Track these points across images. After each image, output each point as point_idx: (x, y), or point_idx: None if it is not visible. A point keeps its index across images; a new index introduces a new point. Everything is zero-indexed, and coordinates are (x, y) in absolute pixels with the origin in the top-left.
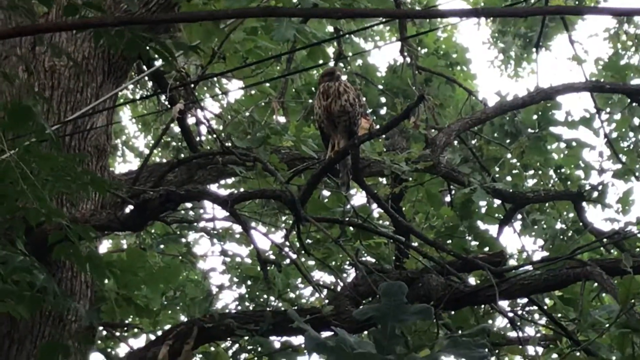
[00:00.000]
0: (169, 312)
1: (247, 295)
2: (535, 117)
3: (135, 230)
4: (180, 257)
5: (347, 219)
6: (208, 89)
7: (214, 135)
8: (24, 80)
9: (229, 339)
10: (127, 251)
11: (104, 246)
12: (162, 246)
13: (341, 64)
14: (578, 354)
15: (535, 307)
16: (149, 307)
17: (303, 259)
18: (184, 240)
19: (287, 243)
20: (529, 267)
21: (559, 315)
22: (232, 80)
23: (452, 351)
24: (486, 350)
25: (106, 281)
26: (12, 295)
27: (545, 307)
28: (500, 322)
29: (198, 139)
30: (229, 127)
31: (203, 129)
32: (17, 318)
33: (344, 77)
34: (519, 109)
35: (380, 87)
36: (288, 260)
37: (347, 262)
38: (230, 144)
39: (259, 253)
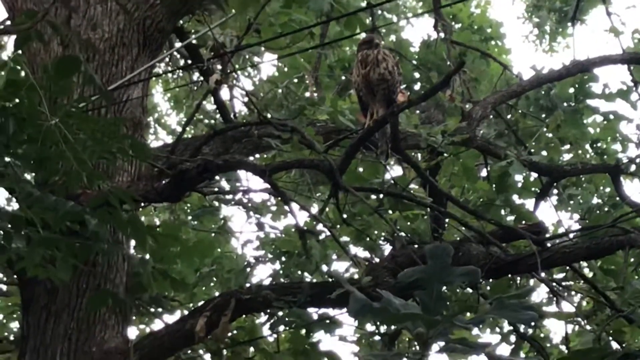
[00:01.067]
0: (203, 288)
1: (281, 272)
2: (571, 90)
3: (173, 201)
4: (215, 232)
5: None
6: (240, 65)
7: (252, 106)
8: (59, 53)
9: (266, 311)
10: (162, 225)
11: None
12: (195, 222)
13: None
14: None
15: (575, 282)
16: (184, 281)
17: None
18: (220, 215)
19: (323, 216)
20: (571, 236)
21: (601, 286)
22: (264, 56)
23: (500, 313)
24: (533, 312)
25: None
26: (61, 244)
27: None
28: (537, 296)
29: (232, 114)
30: (265, 100)
31: (237, 104)
32: (56, 288)
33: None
34: (556, 81)
35: (414, 62)
36: (324, 235)
37: (382, 237)
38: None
39: (298, 223)
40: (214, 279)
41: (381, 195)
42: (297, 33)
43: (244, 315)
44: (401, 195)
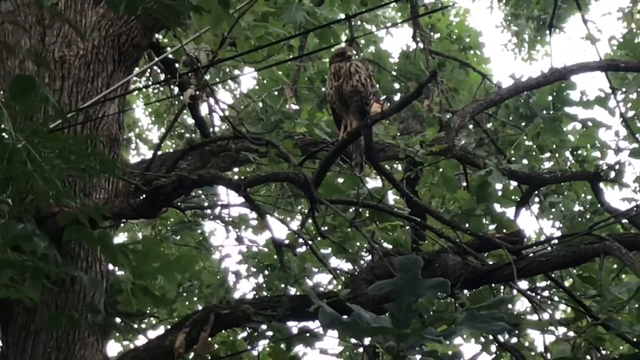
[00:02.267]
0: (187, 302)
1: (264, 285)
2: (550, 98)
3: (149, 217)
4: (195, 246)
5: (361, 201)
6: (220, 79)
7: (227, 121)
8: (34, 72)
9: (246, 325)
10: (142, 241)
11: (120, 238)
12: (177, 237)
13: (354, 50)
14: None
15: (554, 290)
16: (165, 297)
17: (320, 249)
18: (199, 230)
19: (304, 230)
20: (547, 246)
21: (580, 295)
22: (244, 69)
23: (470, 324)
24: (504, 322)
25: (122, 272)
26: (13, 266)
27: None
28: (521, 305)
29: (211, 129)
30: (242, 114)
31: (216, 118)
32: (34, 306)
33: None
34: (534, 89)
35: (394, 73)
36: (305, 247)
37: (364, 248)
38: (244, 130)
39: (274, 237)
40: (196, 292)
41: (355, 208)
42: (274, 46)
43: (224, 330)
44: (377, 207)
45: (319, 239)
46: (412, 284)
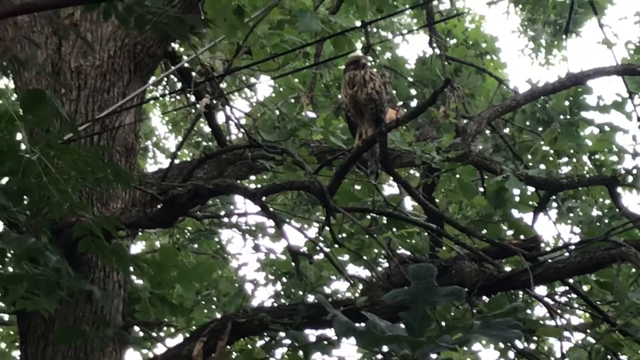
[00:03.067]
0: (205, 310)
1: (282, 292)
2: (566, 103)
3: (165, 226)
4: (213, 255)
5: (377, 208)
6: (236, 87)
7: (242, 129)
8: (50, 83)
9: (263, 333)
10: (159, 250)
11: (138, 247)
12: (195, 245)
13: (369, 57)
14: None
15: (573, 295)
16: (183, 306)
17: (338, 256)
18: (216, 238)
19: (321, 237)
20: (565, 252)
21: (597, 300)
22: (260, 77)
23: (485, 332)
24: (519, 330)
25: (140, 281)
26: (27, 279)
27: (583, 293)
28: (539, 310)
29: (228, 137)
30: (259, 122)
31: (232, 127)
32: (53, 317)
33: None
34: (550, 94)
35: (410, 79)
36: (322, 255)
37: (382, 255)
38: (259, 139)
39: (290, 245)
40: (214, 300)
41: (372, 215)
42: (290, 53)
43: (242, 339)
44: (393, 215)
45: (336, 246)
46: (426, 292)
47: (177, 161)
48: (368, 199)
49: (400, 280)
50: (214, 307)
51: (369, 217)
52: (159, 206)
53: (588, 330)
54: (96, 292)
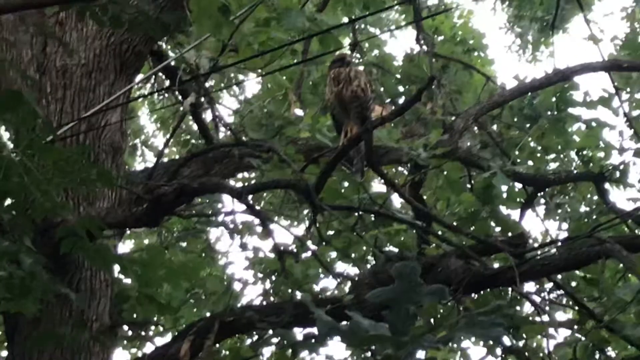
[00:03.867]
0: (194, 309)
1: (271, 291)
2: (553, 99)
3: (151, 225)
4: (200, 254)
5: (363, 206)
6: (224, 85)
7: (227, 127)
8: (36, 81)
9: (250, 332)
10: (147, 249)
11: (127, 246)
12: (183, 244)
13: (357, 54)
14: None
15: (561, 292)
16: (170, 305)
17: (327, 254)
18: (204, 236)
19: (309, 235)
20: (550, 248)
21: (584, 297)
22: (249, 75)
23: (469, 330)
24: (502, 328)
25: (128, 280)
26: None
27: (568, 289)
28: (529, 308)
29: (215, 135)
30: (246, 120)
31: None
32: (38, 317)
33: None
34: (536, 90)
35: (398, 76)
36: (310, 253)
37: (371, 253)
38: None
39: (276, 243)
40: (202, 299)
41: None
42: (277, 51)
43: (231, 337)
44: (379, 212)
45: (324, 243)
46: (410, 291)
47: (165, 159)
48: (355, 196)
49: (387, 278)
50: (201, 306)
51: (356, 215)
52: (144, 205)
53: (575, 327)
54: (71, 295)
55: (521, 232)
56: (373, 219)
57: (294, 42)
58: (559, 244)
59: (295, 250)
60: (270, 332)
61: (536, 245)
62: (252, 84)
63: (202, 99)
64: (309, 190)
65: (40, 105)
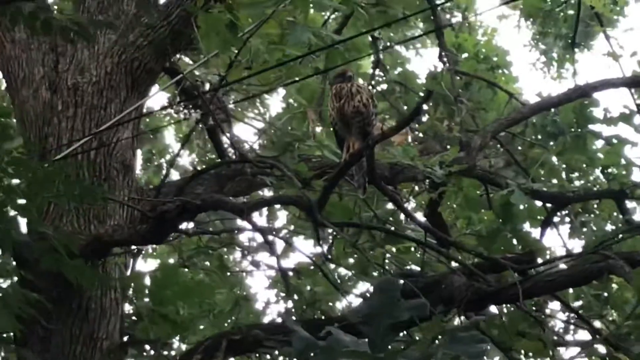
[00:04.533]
0: (201, 327)
1: (293, 310)
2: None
3: (156, 243)
4: (212, 271)
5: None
6: (249, 104)
7: (234, 145)
8: (47, 100)
9: (258, 351)
10: (160, 268)
11: (150, 265)
12: (206, 262)
13: (380, 72)
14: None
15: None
16: (185, 323)
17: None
18: (217, 254)
19: (325, 254)
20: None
21: (594, 314)
22: (273, 94)
23: (450, 346)
24: (485, 345)
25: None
26: None
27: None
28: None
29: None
30: (265, 138)
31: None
32: (48, 335)
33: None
34: (556, 107)
35: (421, 94)
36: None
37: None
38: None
39: (279, 263)
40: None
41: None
42: (293, 68)
43: (237, 356)
44: (382, 229)
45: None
46: (389, 306)
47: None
48: (366, 213)
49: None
50: (207, 322)
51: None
52: (149, 223)
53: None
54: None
55: (531, 250)
56: (383, 236)
57: (300, 57)
58: (564, 260)
59: (311, 267)
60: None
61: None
62: (277, 102)
63: (216, 116)
64: (311, 206)
65: (51, 123)
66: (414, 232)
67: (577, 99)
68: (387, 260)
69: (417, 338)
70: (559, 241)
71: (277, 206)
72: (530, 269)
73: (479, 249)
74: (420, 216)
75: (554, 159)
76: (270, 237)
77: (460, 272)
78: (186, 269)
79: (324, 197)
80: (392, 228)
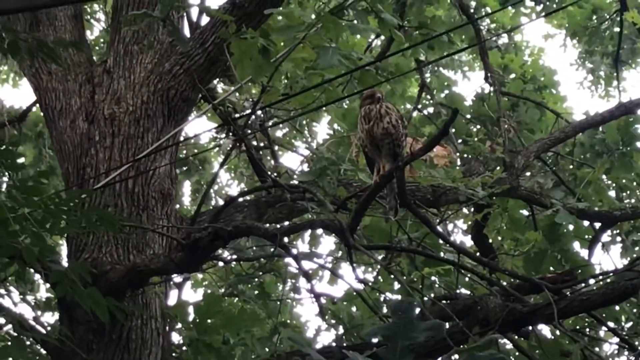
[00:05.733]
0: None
1: (344, 337)
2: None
3: (191, 271)
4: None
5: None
6: (297, 132)
7: (264, 171)
8: (84, 130)
9: None
10: (204, 297)
11: (199, 294)
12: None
13: (427, 95)
14: None
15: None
16: (230, 353)
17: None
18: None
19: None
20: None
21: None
22: (321, 121)
23: None
24: None
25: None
26: None
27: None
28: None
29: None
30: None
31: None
32: None
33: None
34: (600, 125)
35: (468, 116)
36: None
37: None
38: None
39: (312, 287)
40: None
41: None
42: (333, 92)
43: None
44: (415, 251)
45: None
46: (406, 327)
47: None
48: (404, 236)
49: (437, 317)
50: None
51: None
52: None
53: None
54: None
55: (570, 269)
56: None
57: (331, 80)
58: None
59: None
60: None
61: (592, 281)
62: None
63: (258, 143)
64: (343, 230)
65: (89, 154)
66: (452, 253)
67: (621, 117)
68: (436, 284)
69: None
70: (609, 262)
71: (320, 231)
72: (564, 288)
73: (523, 270)
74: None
75: (603, 177)
76: (305, 263)
77: (497, 293)
78: (235, 298)
79: (355, 220)
80: (427, 250)
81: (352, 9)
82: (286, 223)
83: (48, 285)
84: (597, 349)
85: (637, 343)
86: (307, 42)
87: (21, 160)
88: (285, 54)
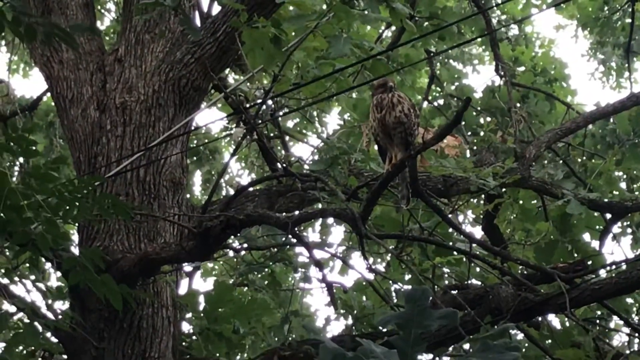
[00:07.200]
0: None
1: (354, 327)
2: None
3: (202, 259)
4: (265, 289)
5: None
6: (308, 122)
7: (276, 159)
8: (96, 119)
9: None
10: (215, 286)
11: (210, 284)
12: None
13: (437, 86)
14: None
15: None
16: (241, 342)
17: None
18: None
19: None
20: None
21: None
22: (330, 113)
23: (482, 355)
24: (517, 354)
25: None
26: None
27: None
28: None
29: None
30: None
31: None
32: (101, 354)
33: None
34: (611, 116)
35: (478, 108)
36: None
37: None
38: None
39: (324, 275)
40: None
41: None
42: (344, 81)
43: None
44: (427, 240)
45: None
46: (419, 316)
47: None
48: (415, 225)
49: (448, 307)
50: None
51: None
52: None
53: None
54: None
55: (582, 259)
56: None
57: (341, 69)
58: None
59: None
60: None
61: (602, 271)
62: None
63: (270, 133)
64: (355, 218)
65: (100, 143)
66: (464, 243)
67: (632, 107)
68: (446, 273)
69: None
70: (620, 253)
71: (330, 221)
72: (576, 278)
73: (534, 261)
74: (477, 229)
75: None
76: (317, 252)
77: (509, 282)
78: (245, 287)
79: (367, 209)
80: (439, 239)
81: None
82: (297, 212)
83: (59, 274)
84: (607, 340)
85: None
86: (319, 31)
87: (34, 147)
88: (297, 43)
